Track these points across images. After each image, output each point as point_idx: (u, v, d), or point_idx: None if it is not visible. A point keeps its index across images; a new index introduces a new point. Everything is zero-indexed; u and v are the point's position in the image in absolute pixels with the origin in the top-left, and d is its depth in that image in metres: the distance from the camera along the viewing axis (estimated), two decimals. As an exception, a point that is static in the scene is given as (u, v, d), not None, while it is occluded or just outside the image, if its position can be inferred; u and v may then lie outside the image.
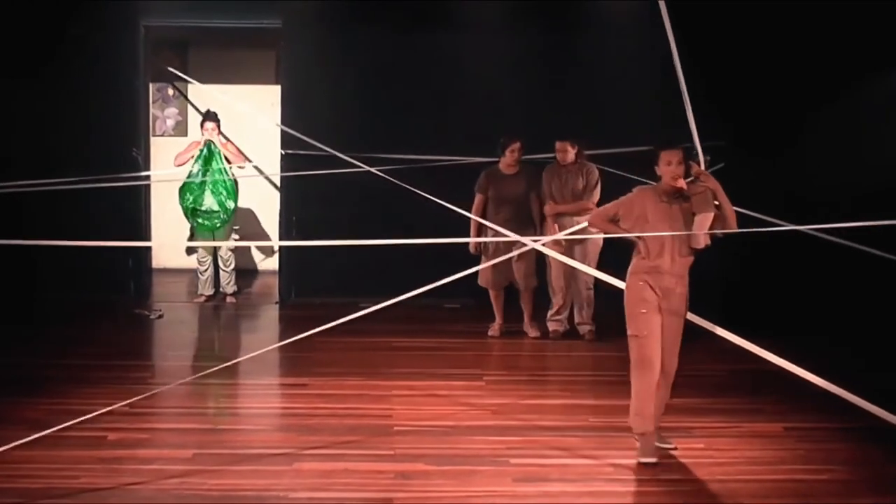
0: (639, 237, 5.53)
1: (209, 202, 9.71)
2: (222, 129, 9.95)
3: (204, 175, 9.62)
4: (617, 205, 5.66)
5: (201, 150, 9.67)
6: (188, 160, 9.73)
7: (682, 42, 6.15)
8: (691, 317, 5.58)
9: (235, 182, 9.86)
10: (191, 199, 9.70)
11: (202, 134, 9.75)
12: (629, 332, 5.60)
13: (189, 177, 9.68)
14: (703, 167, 5.63)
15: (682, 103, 9.57)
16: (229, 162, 9.73)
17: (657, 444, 5.67)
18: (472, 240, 8.34)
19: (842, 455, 5.82)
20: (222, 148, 9.74)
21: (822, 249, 7.45)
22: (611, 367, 7.73)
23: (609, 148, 9.19)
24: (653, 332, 5.50)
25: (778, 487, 5.36)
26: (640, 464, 5.56)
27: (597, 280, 8.30)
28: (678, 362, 5.62)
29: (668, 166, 5.48)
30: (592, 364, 8.03)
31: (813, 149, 9.46)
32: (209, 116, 9.81)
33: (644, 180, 8.59)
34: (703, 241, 5.51)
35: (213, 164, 9.67)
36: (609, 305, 8.54)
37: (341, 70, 9.94)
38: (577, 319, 8.68)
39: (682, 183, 5.46)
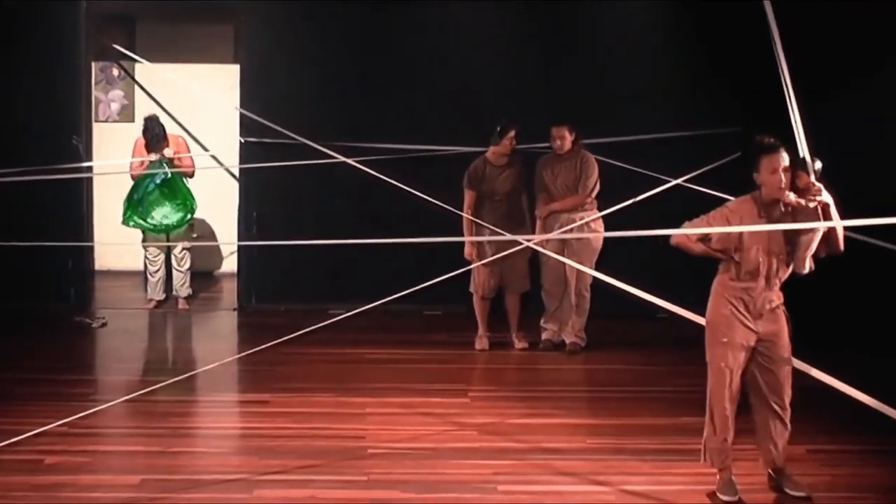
0: (731, 258, 5.29)
1: (159, 216, 9.58)
2: (178, 115, 9.85)
3: (161, 186, 9.50)
4: (707, 220, 5.33)
5: (157, 167, 9.49)
6: (141, 171, 9.55)
7: (697, 24, 6.11)
8: (797, 363, 5.34)
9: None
10: (136, 219, 9.57)
11: (147, 154, 9.52)
12: (707, 358, 5.44)
13: (140, 189, 9.56)
14: (813, 177, 5.20)
15: (689, 90, 9.56)
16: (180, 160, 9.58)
17: (787, 489, 5.48)
18: (466, 238, 8.24)
19: (872, 481, 5.81)
20: (176, 164, 9.57)
21: (857, 252, 7.30)
22: (607, 383, 7.75)
23: (609, 137, 9.18)
24: (730, 364, 5.32)
25: (799, 517, 5.35)
26: (719, 499, 5.45)
27: (594, 287, 8.32)
28: (791, 393, 5.42)
29: (773, 175, 5.18)
30: (587, 379, 8.02)
31: (834, 137, 9.37)
32: (154, 140, 9.42)
33: (646, 172, 8.65)
34: (808, 265, 5.24)
35: (172, 178, 9.53)
36: (604, 313, 8.60)
37: (307, 48, 9.86)
38: (563, 328, 8.62)
39: (790, 197, 5.16)
